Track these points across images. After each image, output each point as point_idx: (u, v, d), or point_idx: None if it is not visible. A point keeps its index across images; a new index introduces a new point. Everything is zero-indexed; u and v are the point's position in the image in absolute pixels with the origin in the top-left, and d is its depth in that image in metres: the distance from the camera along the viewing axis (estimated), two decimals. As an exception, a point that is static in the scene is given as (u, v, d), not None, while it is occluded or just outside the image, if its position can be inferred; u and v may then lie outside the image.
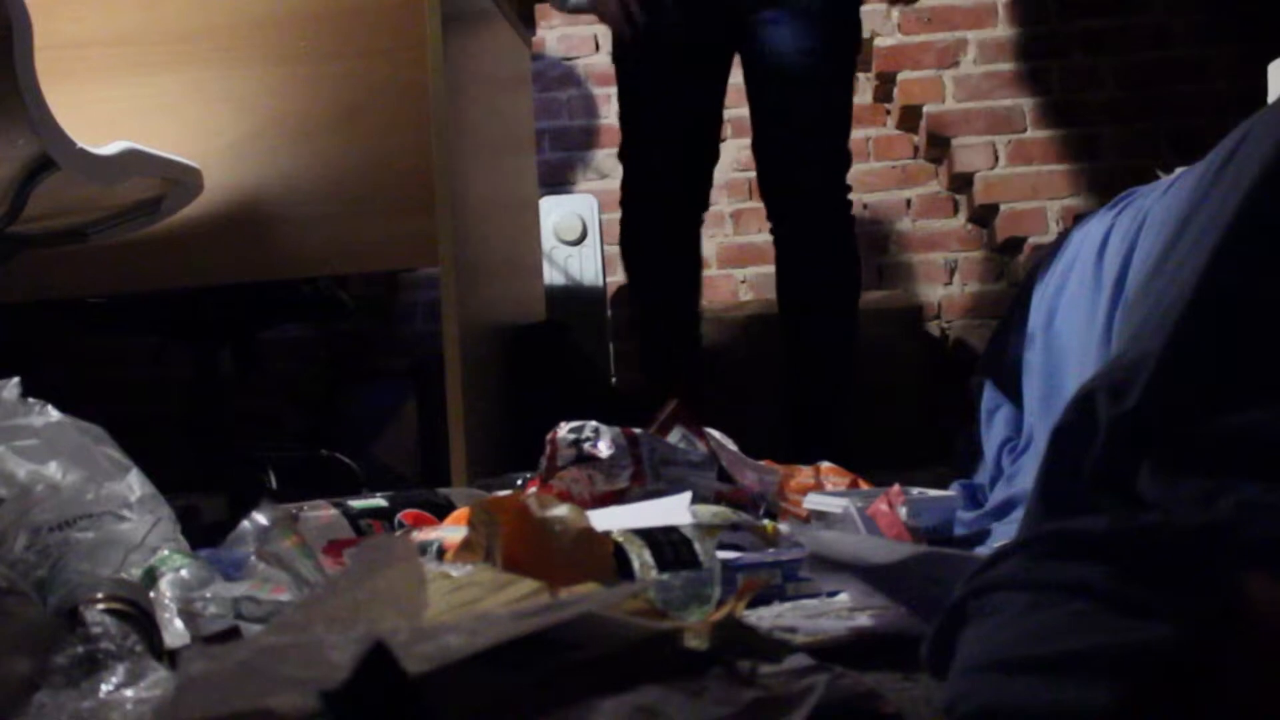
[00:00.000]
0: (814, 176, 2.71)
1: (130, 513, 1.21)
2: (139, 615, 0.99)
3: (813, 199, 2.72)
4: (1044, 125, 3.66)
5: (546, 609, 0.74)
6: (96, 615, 0.93)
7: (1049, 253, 2.33)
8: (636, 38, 2.74)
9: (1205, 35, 3.62)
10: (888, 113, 3.82)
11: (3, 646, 0.61)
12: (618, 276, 3.79)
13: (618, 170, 3.84)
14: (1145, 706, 0.65)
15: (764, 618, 1.18)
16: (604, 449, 1.78)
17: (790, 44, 2.65)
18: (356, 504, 1.60)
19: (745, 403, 3.13)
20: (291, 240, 2.38)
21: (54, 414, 1.26)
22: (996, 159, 3.65)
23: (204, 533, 1.59)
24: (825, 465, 2.04)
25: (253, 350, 2.89)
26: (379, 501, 1.63)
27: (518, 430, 2.47)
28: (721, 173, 3.78)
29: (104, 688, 0.83)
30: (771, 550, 1.42)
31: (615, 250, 3.81)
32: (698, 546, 1.26)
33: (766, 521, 1.54)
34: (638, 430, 1.83)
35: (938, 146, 3.72)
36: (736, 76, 2.79)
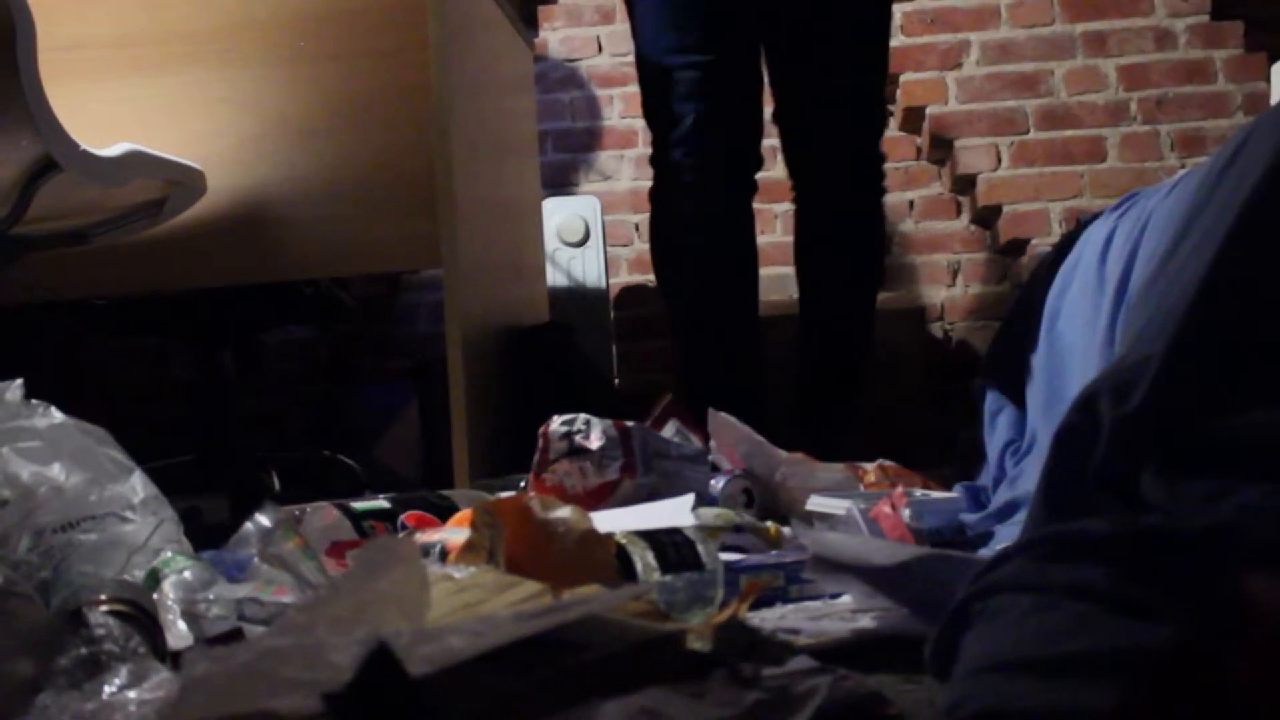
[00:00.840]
0: (869, 137, 2.63)
1: (133, 514, 1.21)
2: (142, 617, 0.99)
3: (865, 159, 2.63)
4: (1047, 127, 3.66)
5: (549, 611, 0.74)
6: (100, 617, 0.93)
7: (1052, 254, 2.33)
8: None
9: (1209, 37, 3.62)
10: (890, 114, 3.82)
11: (6, 648, 0.61)
12: (621, 278, 3.80)
13: (621, 171, 3.88)
14: (1147, 708, 0.65)
15: (767, 619, 1.18)
16: (594, 441, 1.77)
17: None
18: (359, 505, 1.60)
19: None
20: (294, 242, 2.38)
21: (57, 415, 1.26)
22: (999, 160, 3.65)
23: (207, 534, 1.59)
24: (888, 464, 2.03)
25: (255, 352, 2.89)
26: (381, 503, 1.63)
27: (520, 432, 2.46)
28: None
29: (107, 689, 0.83)
30: (775, 552, 1.42)
31: (617, 252, 3.82)
32: (701, 548, 1.26)
33: (770, 523, 1.54)
34: (630, 423, 1.83)
35: (940, 148, 3.72)
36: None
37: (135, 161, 1.97)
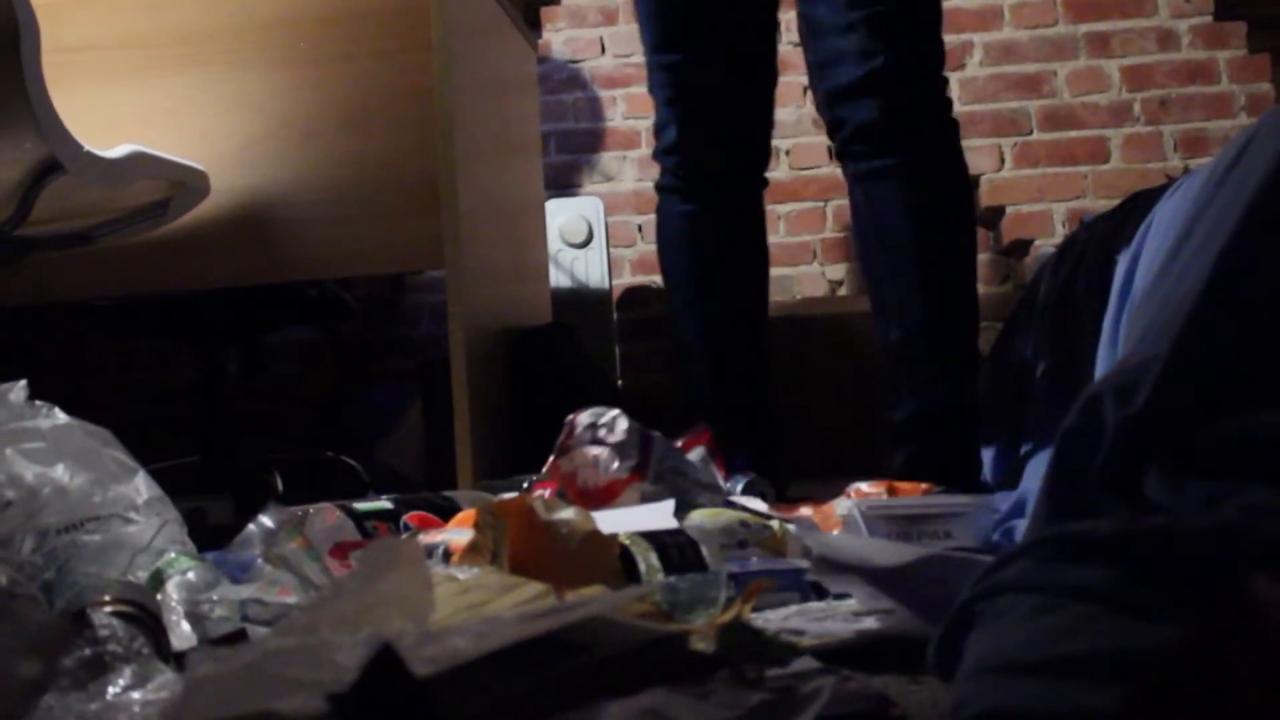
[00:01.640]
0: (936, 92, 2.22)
1: (137, 515, 1.22)
2: (146, 618, 0.99)
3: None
4: (1050, 128, 3.66)
5: (553, 612, 0.75)
6: (103, 617, 0.93)
7: (1055, 255, 2.33)
8: None
9: (1212, 38, 3.62)
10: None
11: (10, 649, 0.61)
12: (624, 279, 3.80)
13: (624, 173, 3.88)
14: (1151, 710, 0.65)
15: (771, 620, 1.18)
16: (615, 436, 1.77)
17: None
18: (361, 506, 1.60)
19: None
20: (297, 243, 2.38)
21: (61, 417, 1.26)
22: (1002, 161, 3.65)
23: (210, 535, 1.59)
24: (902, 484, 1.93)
25: (258, 353, 2.90)
26: (384, 504, 1.63)
27: (523, 432, 2.47)
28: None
29: (111, 690, 0.83)
30: (781, 559, 1.42)
31: (620, 253, 3.83)
32: (705, 549, 1.26)
33: (776, 524, 1.53)
34: (657, 433, 1.83)
35: (943, 149, 3.72)
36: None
37: (139, 163, 1.97)
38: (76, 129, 1.82)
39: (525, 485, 1.88)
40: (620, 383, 3.55)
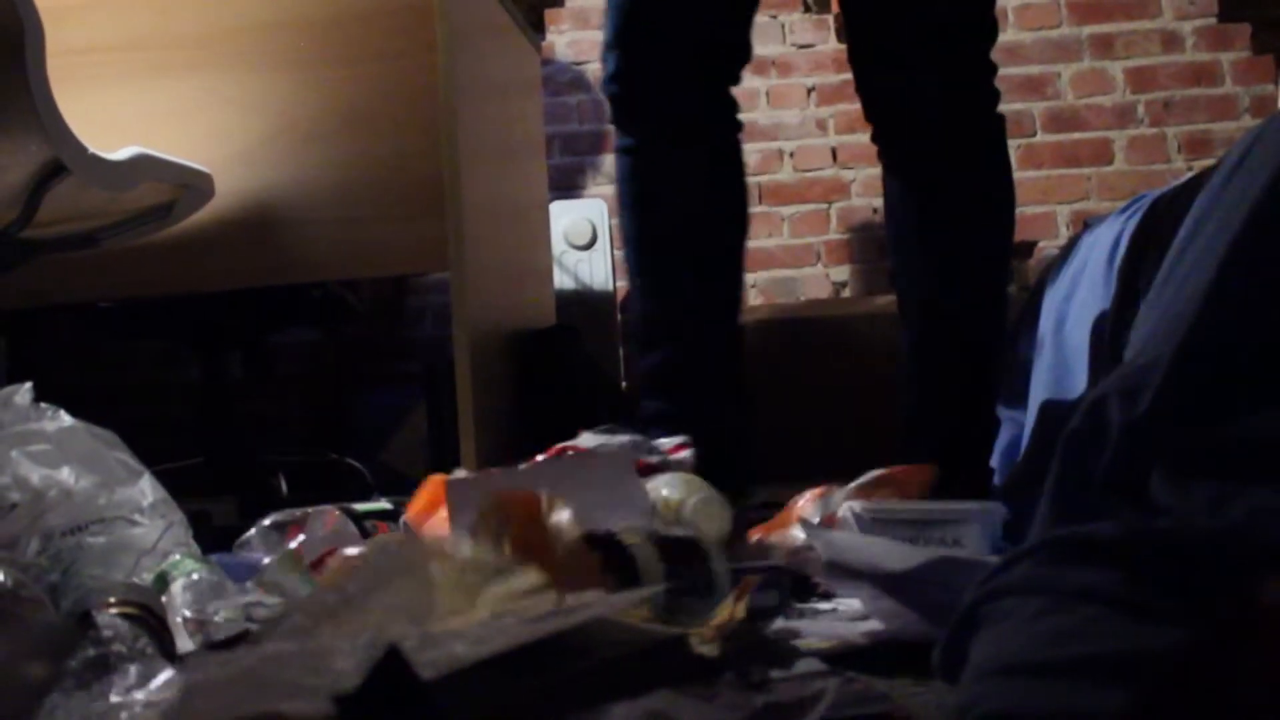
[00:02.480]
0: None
1: (142, 517, 1.22)
2: (151, 619, 1.00)
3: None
4: (1054, 129, 3.65)
5: (556, 615, 0.75)
6: (108, 618, 0.93)
7: (1059, 257, 2.33)
8: None
9: (1216, 39, 3.62)
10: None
11: (17, 651, 0.61)
12: (628, 281, 3.80)
13: (627, 175, 3.87)
14: (1158, 712, 0.65)
15: (775, 623, 1.18)
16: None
17: None
18: (362, 507, 1.61)
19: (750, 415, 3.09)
20: (301, 245, 2.38)
21: (67, 419, 1.27)
22: (1006, 163, 3.65)
23: (215, 537, 1.59)
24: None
25: (262, 354, 2.90)
26: (385, 505, 1.64)
27: (527, 434, 2.47)
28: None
29: (114, 690, 0.84)
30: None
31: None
32: (706, 550, 1.26)
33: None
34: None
35: (947, 151, 3.72)
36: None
37: (144, 165, 1.98)
38: (81, 131, 1.82)
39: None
40: (624, 384, 3.55)
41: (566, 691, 0.73)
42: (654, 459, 1.65)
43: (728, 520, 1.51)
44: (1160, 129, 3.61)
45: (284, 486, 2.69)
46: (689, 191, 2.05)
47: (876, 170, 2.29)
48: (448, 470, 1.69)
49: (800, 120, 3.75)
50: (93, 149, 1.84)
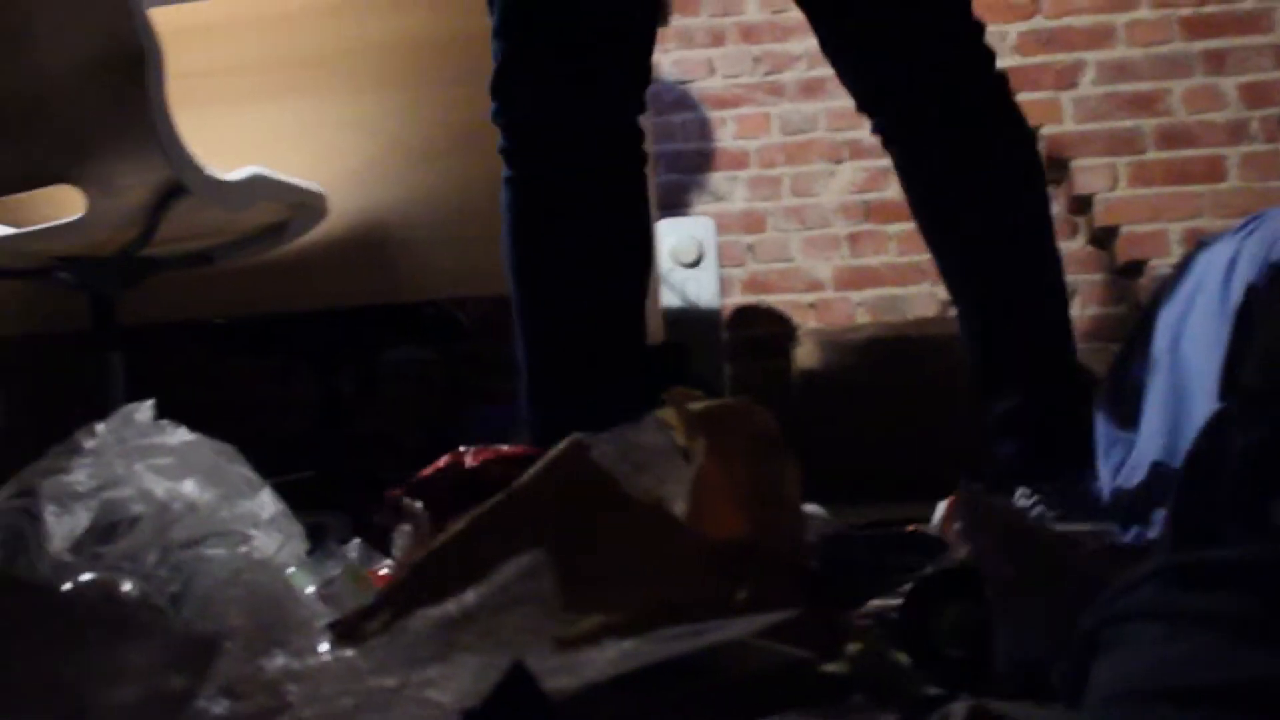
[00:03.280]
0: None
1: (261, 531, 1.23)
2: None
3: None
4: (1165, 146, 3.59)
5: (688, 634, 0.74)
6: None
7: (1173, 275, 2.29)
8: None
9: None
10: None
11: (157, 661, 0.62)
12: (734, 298, 3.79)
13: (734, 193, 3.87)
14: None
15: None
16: None
17: None
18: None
19: (857, 433, 3.06)
20: (412, 263, 2.40)
21: (187, 433, 1.28)
22: (1117, 181, 3.59)
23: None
24: None
25: (374, 371, 2.93)
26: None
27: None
28: (836, 195, 3.79)
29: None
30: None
31: (730, 272, 3.81)
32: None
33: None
34: None
35: (1056, 168, 3.66)
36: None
37: (259, 185, 2.01)
38: (199, 152, 1.85)
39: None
40: (730, 402, 3.54)
41: (692, 711, 0.72)
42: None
43: None
44: (1274, 145, 3.53)
45: (394, 502, 2.71)
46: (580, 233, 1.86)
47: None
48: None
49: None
50: (210, 169, 1.87)
